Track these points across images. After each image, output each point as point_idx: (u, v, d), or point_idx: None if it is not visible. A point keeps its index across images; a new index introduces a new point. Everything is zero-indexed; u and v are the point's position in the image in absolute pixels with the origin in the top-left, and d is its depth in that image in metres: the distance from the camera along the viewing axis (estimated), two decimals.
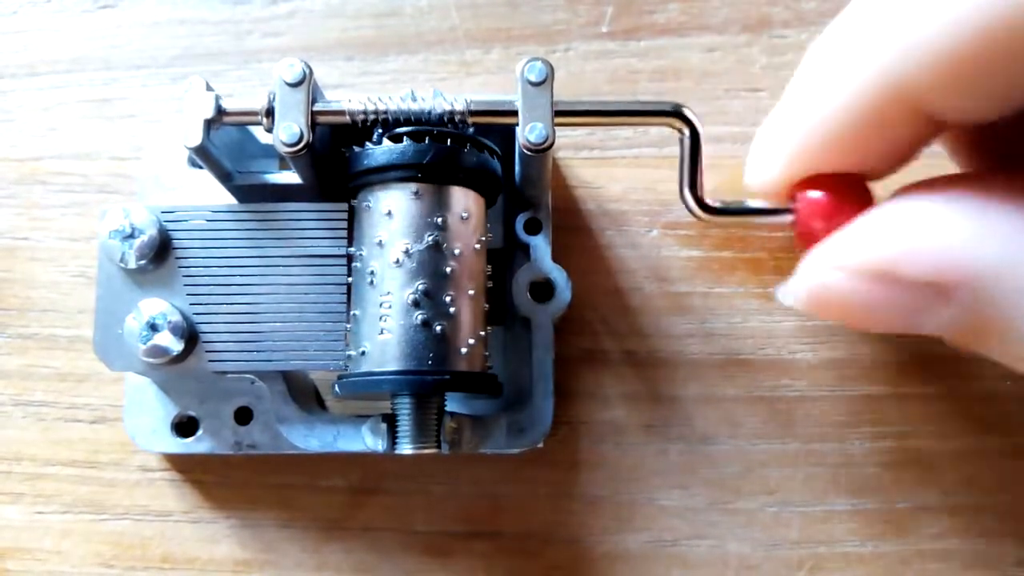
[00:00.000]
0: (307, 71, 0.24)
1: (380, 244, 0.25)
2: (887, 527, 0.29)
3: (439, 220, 0.25)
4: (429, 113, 0.25)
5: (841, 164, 0.23)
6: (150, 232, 0.26)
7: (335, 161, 0.26)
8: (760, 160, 0.25)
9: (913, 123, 0.21)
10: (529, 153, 0.25)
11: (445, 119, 0.25)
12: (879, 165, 0.23)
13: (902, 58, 0.20)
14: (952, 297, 0.20)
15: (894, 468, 0.29)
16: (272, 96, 0.24)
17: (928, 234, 0.21)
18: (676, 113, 0.26)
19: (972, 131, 0.24)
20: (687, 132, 0.26)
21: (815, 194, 0.24)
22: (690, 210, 0.26)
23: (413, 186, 0.25)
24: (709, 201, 0.26)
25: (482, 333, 0.26)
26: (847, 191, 0.23)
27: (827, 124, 0.22)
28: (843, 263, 0.22)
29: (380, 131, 0.25)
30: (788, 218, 0.25)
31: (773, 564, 0.29)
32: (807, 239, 0.24)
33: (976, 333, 0.21)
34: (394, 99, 0.25)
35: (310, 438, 0.27)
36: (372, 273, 0.25)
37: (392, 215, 0.25)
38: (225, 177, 0.26)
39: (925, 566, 0.29)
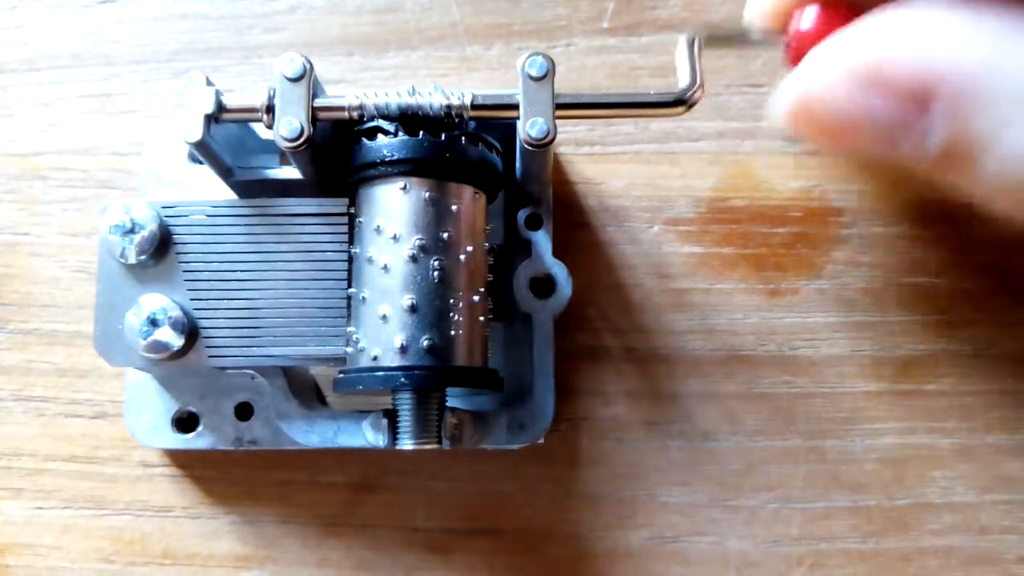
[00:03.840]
0: (307, 66, 0.24)
1: (380, 239, 0.25)
2: (888, 524, 0.29)
3: (439, 215, 0.25)
4: (430, 108, 0.25)
5: None
6: (150, 227, 0.26)
7: (335, 156, 0.26)
8: None
9: None
10: (530, 148, 0.25)
11: (446, 114, 0.25)
12: None
13: None
14: (934, 105, 0.20)
15: (895, 465, 0.29)
16: (272, 91, 0.24)
17: (911, 37, 0.20)
18: (679, 103, 0.25)
19: None
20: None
21: (811, 7, 0.24)
22: (692, 48, 0.26)
23: (414, 181, 0.25)
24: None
25: (483, 329, 0.26)
26: (836, 10, 0.23)
27: None
28: (828, 65, 0.21)
29: (381, 126, 0.25)
30: (782, 41, 0.25)
31: (774, 561, 0.29)
32: (799, 52, 0.23)
33: (956, 153, 0.20)
34: (395, 94, 0.25)
35: (311, 434, 0.27)
36: (372, 268, 0.25)
37: (392, 210, 0.25)
38: (225, 172, 0.26)
39: (925, 563, 0.29)
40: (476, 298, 0.26)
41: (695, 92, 0.25)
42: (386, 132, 0.25)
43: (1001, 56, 0.20)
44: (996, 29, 0.20)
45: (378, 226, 0.25)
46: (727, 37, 0.26)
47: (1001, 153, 0.20)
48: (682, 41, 0.25)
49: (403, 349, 0.25)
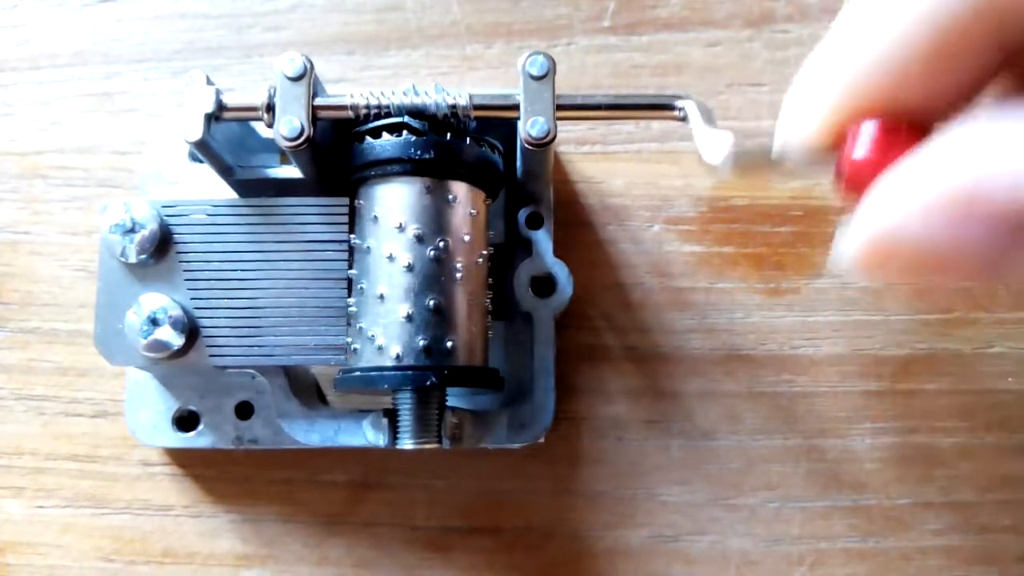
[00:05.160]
0: (308, 65, 0.24)
1: (381, 238, 0.25)
2: (888, 523, 0.29)
3: (440, 214, 0.25)
4: (430, 107, 0.25)
5: (900, 96, 0.19)
6: (151, 226, 0.26)
7: (336, 155, 0.26)
8: (801, 105, 0.20)
9: (988, 45, 0.18)
10: (530, 147, 0.25)
11: (446, 113, 0.25)
12: (942, 98, 0.19)
13: None
14: None
15: (895, 464, 0.29)
16: (273, 90, 0.24)
17: (1007, 152, 0.17)
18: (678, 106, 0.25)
19: None
20: (690, 105, 0.24)
21: (867, 124, 0.19)
22: (714, 171, 0.23)
23: (414, 180, 0.25)
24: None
25: (482, 328, 0.26)
26: (898, 128, 0.19)
27: (892, 44, 0.19)
28: (910, 195, 0.18)
29: (381, 125, 0.25)
30: (828, 167, 0.20)
31: (774, 560, 0.29)
32: (858, 182, 0.20)
33: None
34: (395, 93, 0.25)
35: (311, 433, 0.27)
36: (370, 268, 0.25)
37: (393, 209, 0.25)
38: (226, 171, 0.26)
39: (926, 562, 0.29)
40: (477, 297, 0.26)
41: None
42: (386, 131, 0.25)
43: None
44: None
45: (378, 225, 0.25)
46: (756, 163, 0.22)
47: None
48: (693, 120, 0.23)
49: (404, 348, 0.25)
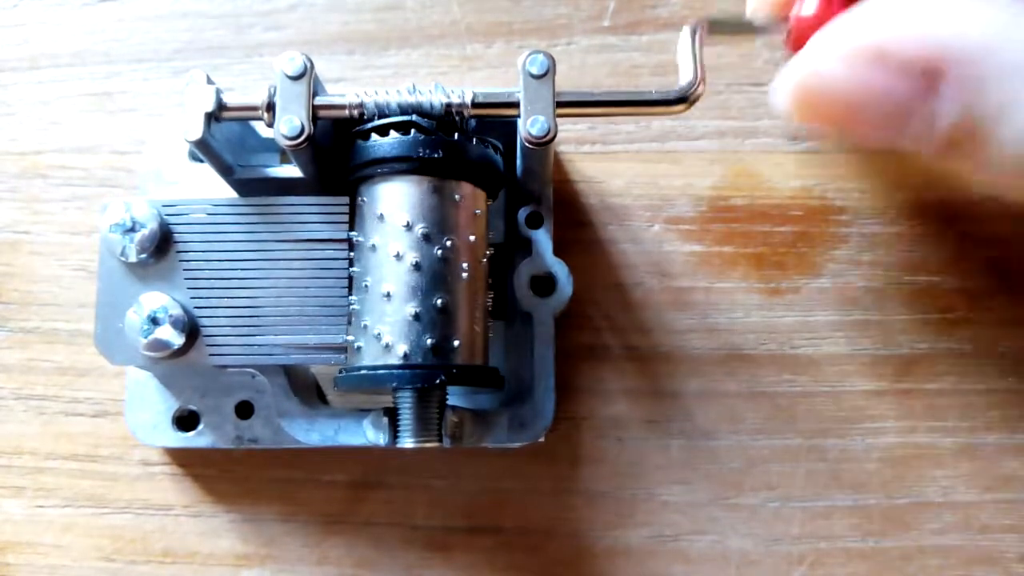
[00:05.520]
0: (308, 64, 0.24)
1: (381, 237, 0.25)
2: (888, 523, 0.29)
3: (440, 214, 0.25)
4: (431, 106, 0.25)
5: None
6: (151, 226, 0.26)
7: (336, 154, 0.26)
8: None
9: None
10: (530, 146, 0.25)
11: (447, 113, 0.25)
12: None
13: None
14: (943, 83, 0.19)
15: (895, 464, 0.29)
16: (273, 90, 0.24)
17: (919, 14, 0.20)
18: (680, 100, 0.25)
19: None
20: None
21: None
22: (694, 40, 0.26)
23: (414, 179, 0.25)
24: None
25: (483, 327, 0.26)
26: None
27: None
28: (832, 47, 0.21)
29: (382, 124, 0.25)
30: (784, 29, 0.25)
31: (774, 559, 0.29)
32: (801, 38, 0.23)
33: (965, 131, 0.20)
34: (395, 93, 0.25)
35: (311, 432, 0.27)
36: (373, 267, 0.25)
37: (393, 208, 0.25)
38: (226, 171, 0.26)
39: (926, 562, 0.29)
40: (477, 297, 0.26)
41: (696, 88, 0.25)
42: (387, 130, 0.25)
43: (1012, 31, 0.19)
44: (1005, 4, 0.19)
45: (378, 224, 0.25)
46: (730, 26, 0.26)
47: (1012, 130, 0.19)
48: (684, 34, 0.25)
49: (404, 347, 0.24)
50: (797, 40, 0.24)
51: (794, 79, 0.22)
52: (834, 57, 0.21)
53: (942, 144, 0.20)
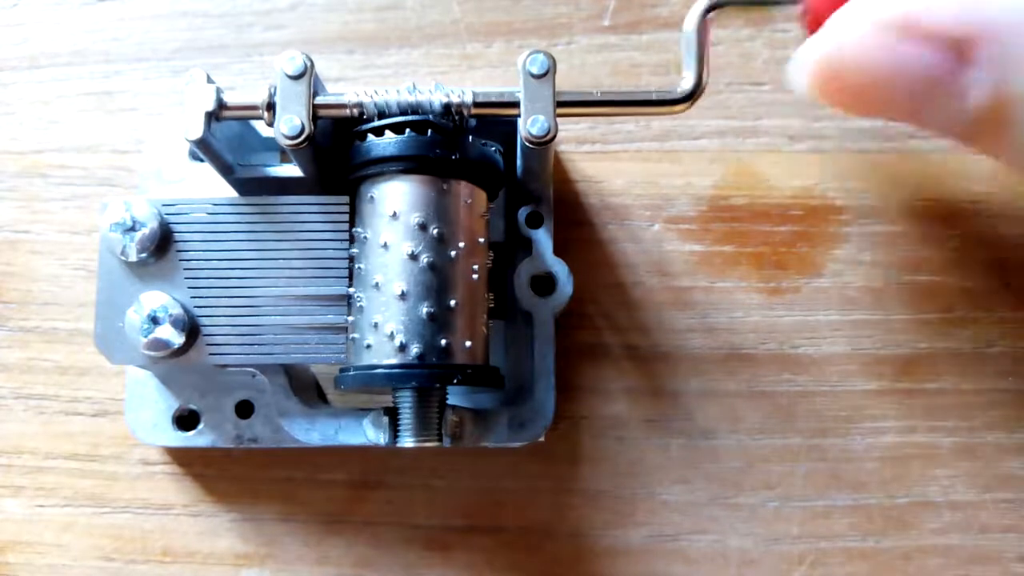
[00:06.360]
0: (308, 64, 0.24)
1: (381, 237, 0.25)
2: (888, 522, 0.29)
3: (440, 213, 0.25)
4: (430, 106, 0.25)
5: None
6: (151, 225, 0.26)
7: (336, 154, 0.26)
8: None
9: None
10: (531, 146, 0.25)
11: (446, 112, 0.25)
12: None
13: None
14: (975, 56, 0.18)
15: (895, 463, 0.29)
16: (273, 89, 0.24)
17: None
18: (681, 100, 0.25)
19: None
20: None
21: None
22: (700, 32, 0.25)
23: (415, 178, 0.25)
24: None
25: (483, 327, 0.26)
26: None
27: None
28: (857, 20, 0.20)
29: (382, 124, 0.25)
30: (799, 4, 0.24)
31: (774, 559, 0.29)
32: (818, 15, 0.22)
33: (999, 108, 0.19)
34: (395, 92, 0.25)
35: (311, 431, 0.27)
36: (373, 266, 0.25)
37: (393, 208, 0.25)
38: (226, 170, 0.26)
39: (926, 561, 0.29)
40: (477, 296, 0.26)
41: (698, 87, 0.25)
42: (387, 130, 0.25)
43: None
44: None
45: (378, 223, 0.25)
46: (743, 2, 0.25)
47: None
48: (688, 26, 0.25)
49: (404, 347, 0.24)
50: (815, 19, 0.22)
51: (815, 54, 0.21)
52: (860, 29, 0.20)
53: (972, 122, 0.19)
